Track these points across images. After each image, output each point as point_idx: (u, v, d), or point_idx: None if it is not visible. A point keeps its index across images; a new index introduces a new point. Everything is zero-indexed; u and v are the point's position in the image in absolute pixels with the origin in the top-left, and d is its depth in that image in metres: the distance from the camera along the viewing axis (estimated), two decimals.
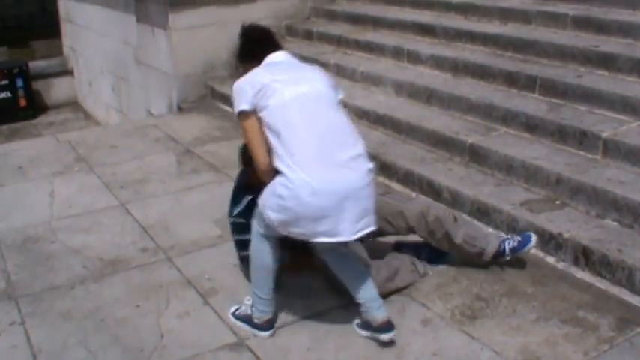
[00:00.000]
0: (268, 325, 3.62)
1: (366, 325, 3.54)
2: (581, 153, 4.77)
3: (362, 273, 3.55)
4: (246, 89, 3.36)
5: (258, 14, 8.44)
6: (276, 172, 3.29)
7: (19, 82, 11.86)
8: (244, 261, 3.94)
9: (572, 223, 4.23)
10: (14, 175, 6.19)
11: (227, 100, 7.82)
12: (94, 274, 4.34)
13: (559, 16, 6.20)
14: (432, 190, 4.99)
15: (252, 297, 3.64)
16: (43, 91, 12.70)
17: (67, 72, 13.01)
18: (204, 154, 6.39)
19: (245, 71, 3.55)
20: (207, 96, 8.22)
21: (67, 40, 13.06)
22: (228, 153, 6.30)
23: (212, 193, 5.45)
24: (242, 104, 3.34)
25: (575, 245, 4.02)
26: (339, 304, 3.80)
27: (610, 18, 5.90)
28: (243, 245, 3.87)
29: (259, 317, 3.61)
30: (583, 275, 3.96)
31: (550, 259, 4.15)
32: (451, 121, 5.64)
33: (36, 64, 12.72)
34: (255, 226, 3.52)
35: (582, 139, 4.76)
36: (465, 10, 7.20)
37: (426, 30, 7.07)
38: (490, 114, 5.46)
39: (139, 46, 9.07)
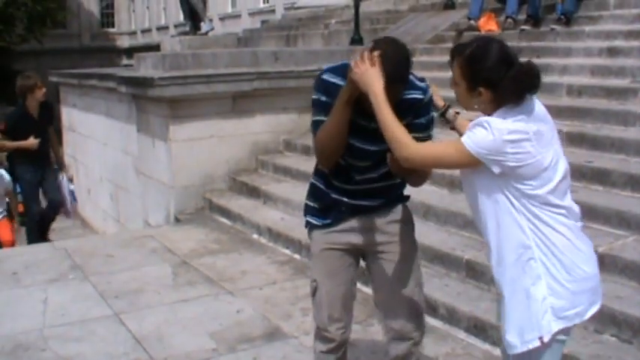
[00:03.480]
0: None
1: None
2: None
3: None
4: (504, 151, 2.54)
5: (256, 128, 8.62)
6: None
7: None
8: None
9: (570, 339, 4.16)
10: (8, 280, 6.14)
11: (225, 212, 7.88)
12: None
13: None
14: (428, 306, 4.92)
15: None
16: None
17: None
18: (201, 266, 6.36)
19: (488, 102, 2.65)
20: (205, 208, 8.26)
21: (68, 149, 13.24)
22: (225, 266, 6.30)
23: (207, 306, 5.40)
24: (495, 165, 2.57)
25: None
26: None
27: (603, 134, 6.03)
28: None
29: None
30: None
31: None
32: (447, 237, 5.66)
33: None
34: None
35: None
36: None
37: None
38: None
39: (139, 156, 9.19)
